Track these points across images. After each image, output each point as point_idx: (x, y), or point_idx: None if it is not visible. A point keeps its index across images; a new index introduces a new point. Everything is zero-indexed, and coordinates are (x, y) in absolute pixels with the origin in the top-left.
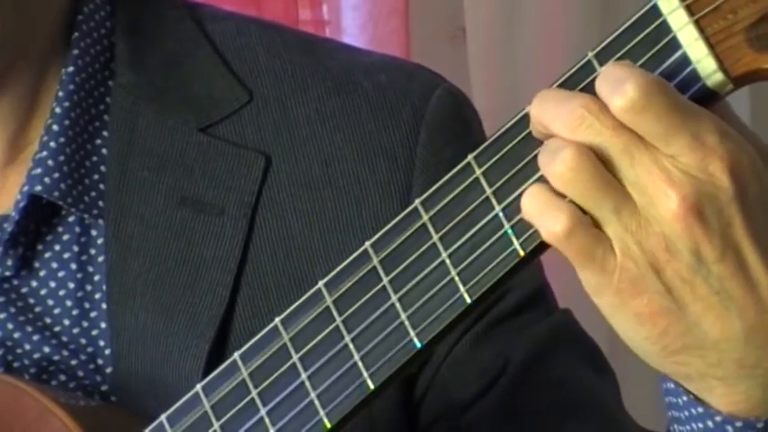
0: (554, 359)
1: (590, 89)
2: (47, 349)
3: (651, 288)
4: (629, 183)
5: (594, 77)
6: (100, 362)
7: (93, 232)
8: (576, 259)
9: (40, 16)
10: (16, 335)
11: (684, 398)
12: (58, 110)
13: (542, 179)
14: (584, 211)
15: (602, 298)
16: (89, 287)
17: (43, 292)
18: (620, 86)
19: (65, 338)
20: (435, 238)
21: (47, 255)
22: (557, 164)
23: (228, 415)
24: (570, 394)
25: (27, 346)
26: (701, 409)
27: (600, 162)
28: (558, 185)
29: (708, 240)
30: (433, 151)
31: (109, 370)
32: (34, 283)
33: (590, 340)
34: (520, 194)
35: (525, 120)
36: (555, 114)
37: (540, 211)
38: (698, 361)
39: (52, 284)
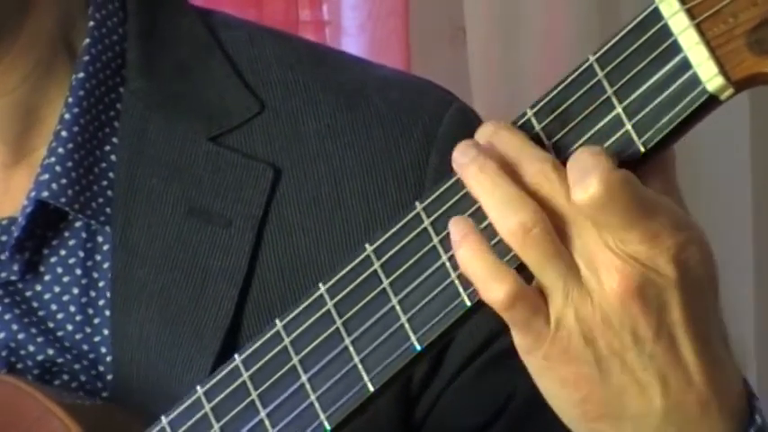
0: None
1: (591, 94)
2: (50, 351)
3: (581, 357)
4: (576, 252)
5: (596, 81)
6: (101, 368)
7: (100, 239)
8: (511, 325)
9: (29, 23)
10: (20, 336)
11: None
12: (67, 116)
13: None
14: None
15: (531, 359)
16: (93, 293)
17: (47, 296)
18: (584, 179)
19: (67, 343)
20: (436, 240)
21: (52, 259)
22: (511, 221)
23: (229, 417)
24: None
25: (31, 348)
26: None
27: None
28: (510, 242)
29: (644, 320)
30: (443, 172)
31: (110, 377)
32: (39, 287)
33: None
34: None
35: None
36: (517, 163)
37: (483, 278)
38: (613, 431)
39: (56, 289)
